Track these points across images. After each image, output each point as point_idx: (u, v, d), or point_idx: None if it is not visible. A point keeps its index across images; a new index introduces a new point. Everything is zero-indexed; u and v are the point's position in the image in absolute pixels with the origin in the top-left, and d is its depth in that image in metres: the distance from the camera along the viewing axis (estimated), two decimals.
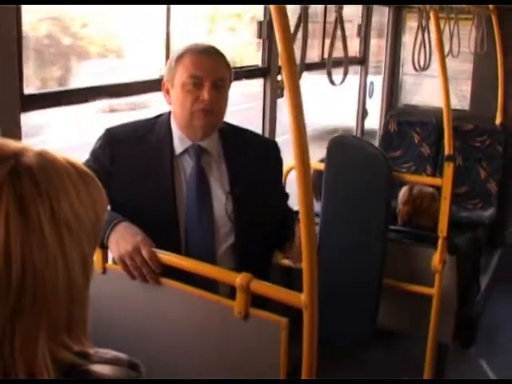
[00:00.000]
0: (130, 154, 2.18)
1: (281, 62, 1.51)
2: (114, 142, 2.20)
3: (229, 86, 2.21)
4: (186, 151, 2.19)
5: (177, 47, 2.27)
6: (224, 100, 2.18)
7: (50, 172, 0.92)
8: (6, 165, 0.89)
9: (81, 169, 0.97)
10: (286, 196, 2.45)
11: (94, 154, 2.21)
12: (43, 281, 0.87)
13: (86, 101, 2.62)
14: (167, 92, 2.20)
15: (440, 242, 3.23)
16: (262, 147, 2.35)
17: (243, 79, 3.56)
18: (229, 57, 2.18)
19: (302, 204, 1.57)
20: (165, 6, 2.89)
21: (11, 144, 0.94)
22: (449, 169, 3.17)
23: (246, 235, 2.18)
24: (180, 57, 2.14)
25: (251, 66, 3.75)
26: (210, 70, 2.11)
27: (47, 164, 0.93)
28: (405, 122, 5.61)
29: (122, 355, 1.00)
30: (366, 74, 5.30)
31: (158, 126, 2.23)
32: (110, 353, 0.99)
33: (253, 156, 2.26)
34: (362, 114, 5.36)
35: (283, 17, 1.47)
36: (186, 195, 2.16)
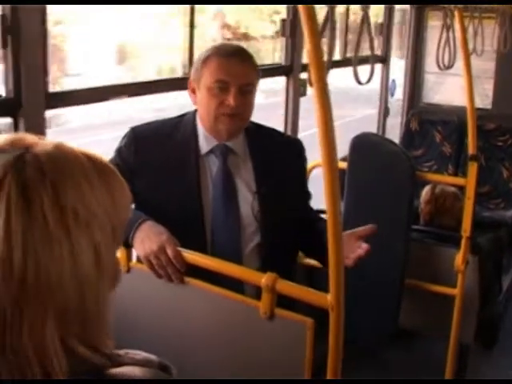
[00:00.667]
0: (155, 153, 2.18)
1: (309, 59, 1.49)
2: (139, 140, 2.19)
3: (256, 88, 2.19)
4: (211, 151, 2.19)
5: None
6: (250, 103, 2.16)
7: (58, 161, 0.91)
8: (14, 154, 0.90)
9: (97, 161, 0.97)
10: (309, 196, 2.43)
11: (119, 151, 2.21)
12: (46, 267, 0.86)
13: (108, 99, 2.63)
14: (193, 91, 2.19)
15: (463, 241, 3.20)
16: (287, 146, 2.34)
17: (266, 77, 3.56)
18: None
19: (329, 203, 1.55)
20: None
21: (28, 137, 0.95)
22: (473, 168, 3.15)
23: (271, 235, 2.17)
24: (206, 58, 2.12)
25: (274, 65, 3.74)
26: (236, 75, 2.09)
27: (58, 154, 0.93)
28: (426, 120, 5.57)
29: (152, 356, 0.99)
30: (388, 72, 5.28)
31: (184, 124, 2.22)
32: (141, 354, 0.99)
33: (278, 155, 2.25)
34: (384, 112, 5.33)
35: (312, 15, 1.45)
36: (211, 195, 2.16)
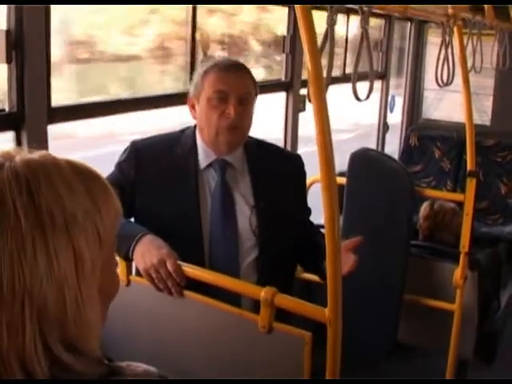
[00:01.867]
0: (155, 167, 2.19)
1: (308, 76, 1.52)
2: (139, 154, 2.21)
3: (254, 101, 2.22)
4: (210, 165, 2.21)
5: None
6: (249, 115, 2.19)
7: (34, 166, 0.92)
8: None
9: (79, 166, 0.97)
10: (309, 211, 2.44)
11: (119, 166, 2.22)
12: (20, 269, 0.86)
13: (110, 113, 2.65)
14: (193, 107, 2.21)
15: (462, 257, 3.20)
16: (286, 161, 2.36)
17: (265, 93, 3.59)
18: None
19: (328, 218, 1.57)
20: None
21: (15, 151, 0.95)
22: (471, 184, 3.16)
23: (269, 249, 2.18)
24: (206, 73, 2.15)
25: (274, 81, 3.77)
26: (235, 86, 2.12)
27: (36, 160, 0.93)
28: (426, 136, 5.60)
29: (152, 369, 1.00)
30: (388, 88, 5.31)
31: (184, 139, 2.24)
32: (141, 366, 0.99)
33: (277, 170, 2.27)
34: (383, 128, 5.37)
35: (311, 31, 1.48)
36: (210, 209, 2.17)
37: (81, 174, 0.96)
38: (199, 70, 2.21)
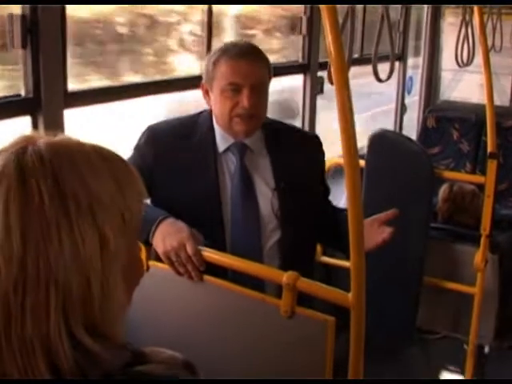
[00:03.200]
0: (173, 152, 2.18)
1: (330, 57, 1.49)
2: (157, 139, 2.20)
3: (268, 85, 2.19)
4: (228, 149, 2.19)
5: None
6: (264, 102, 2.17)
7: (59, 149, 0.92)
8: (18, 146, 0.91)
9: (103, 150, 0.97)
10: (328, 191, 2.43)
11: (138, 150, 2.21)
12: (45, 251, 0.86)
13: (126, 97, 2.64)
14: (206, 93, 2.19)
15: (483, 240, 3.17)
16: (305, 141, 2.34)
17: (282, 75, 3.56)
18: None
19: (351, 201, 1.54)
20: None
21: (37, 135, 0.95)
22: (492, 166, 3.12)
23: (292, 231, 2.16)
24: (217, 61, 2.12)
25: (291, 62, 3.74)
26: (248, 76, 2.09)
27: (59, 143, 0.93)
28: (443, 118, 5.55)
29: (177, 355, 0.99)
30: (405, 69, 5.26)
31: (201, 123, 2.22)
32: (166, 352, 0.98)
33: (296, 151, 2.25)
34: (401, 109, 5.32)
35: (333, 12, 1.45)
36: (230, 193, 2.16)
37: (105, 158, 0.95)
38: (210, 56, 2.18)
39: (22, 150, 0.90)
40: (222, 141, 2.19)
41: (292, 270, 1.79)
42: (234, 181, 2.17)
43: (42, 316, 0.86)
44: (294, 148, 2.26)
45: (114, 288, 0.93)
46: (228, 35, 3.58)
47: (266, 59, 2.18)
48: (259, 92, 2.12)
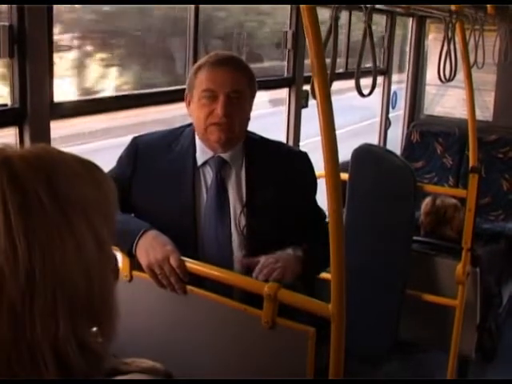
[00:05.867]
0: (154, 164, 2.18)
1: (312, 71, 1.51)
2: (138, 150, 2.20)
3: (251, 96, 2.17)
4: (207, 162, 2.17)
5: None
6: (241, 112, 2.12)
7: (44, 156, 0.92)
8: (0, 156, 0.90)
9: (82, 158, 0.97)
10: (317, 211, 2.33)
11: (119, 161, 2.23)
12: (51, 253, 0.86)
13: (113, 109, 2.65)
14: (189, 104, 2.18)
15: (464, 253, 3.20)
16: (288, 159, 2.25)
17: (268, 89, 3.59)
18: None
19: (332, 213, 1.57)
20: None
21: (9, 147, 0.95)
22: (473, 180, 3.16)
23: (256, 248, 2.10)
24: (198, 69, 2.12)
25: (276, 76, 3.76)
26: (224, 83, 2.06)
27: (42, 151, 0.94)
28: (427, 132, 5.60)
29: (158, 365, 1.00)
30: (390, 84, 5.31)
31: (184, 136, 2.21)
32: (147, 362, 0.99)
33: (277, 168, 2.19)
34: (385, 124, 5.36)
35: (315, 27, 1.47)
36: (204, 206, 2.15)
37: (84, 163, 0.97)
38: (194, 66, 2.17)
39: (5, 159, 0.89)
40: (201, 154, 2.17)
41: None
42: (209, 195, 2.15)
43: (50, 319, 0.86)
44: (276, 165, 2.20)
45: (110, 290, 0.95)
46: None
47: (248, 70, 2.16)
48: (235, 100, 2.08)
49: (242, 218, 2.13)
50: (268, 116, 5.49)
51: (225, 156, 2.16)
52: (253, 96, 2.18)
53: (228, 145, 2.13)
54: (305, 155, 2.32)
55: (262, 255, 2.05)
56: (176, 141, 2.21)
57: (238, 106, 2.09)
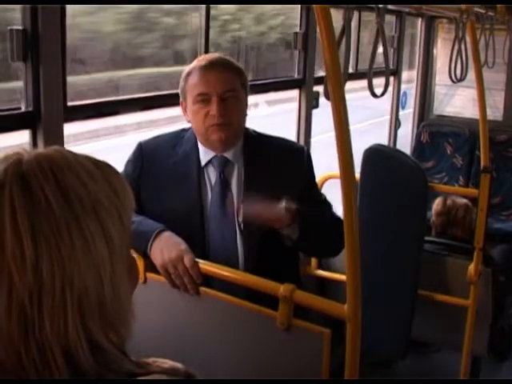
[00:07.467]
0: (160, 167, 2.22)
1: (326, 72, 1.52)
2: (144, 155, 2.24)
3: (244, 93, 2.20)
4: (210, 162, 2.21)
5: None
6: (237, 110, 2.16)
7: (55, 157, 0.93)
8: (11, 158, 0.92)
9: (95, 159, 0.98)
10: (326, 205, 2.35)
11: (126, 165, 2.27)
12: (58, 252, 0.86)
13: (128, 111, 2.66)
14: (185, 110, 2.21)
15: (476, 253, 3.20)
16: (287, 154, 2.28)
17: (279, 91, 3.59)
18: None
19: (347, 215, 1.57)
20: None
21: (24, 149, 0.96)
22: (485, 180, 3.15)
23: (254, 242, 2.16)
24: (188, 75, 2.15)
25: (287, 77, 3.76)
26: (216, 85, 2.10)
27: (54, 152, 0.94)
28: (437, 132, 5.60)
29: (178, 365, 1.00)
30: (399, 84, 5.30)
31: (187, 138, 2.25)
32: (168, 362, 0.99)
33: (275, 163, 2.22)
34: (395, 124, 5.35)
35: (329, 27, 1.48)
36: (210, 204, 2.19)
37: (97, 163, 0.97)
38: (184, 72, 2.19)
39: (17, 160, 0.91)
40: (204, 155, 2.21)
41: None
42: (213, 194, 2.19)
43: (59, 319, 0.87)
44: (274, 161, 2.23)
45: (123, 288, 0.95)
46: None
47: (238, 69, 2.19)
48: (230, 99, 2.12)
49: (240, 213, 2.16)
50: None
51: (227, 155, 2.20)
52: (246, 93, 2.21)
53: (229, 143, 2.18)
54: (304, 149, 2.37)
55: (258, 250, 2.13)
56: (179, 144, 2.25)
57: (232, 105, 2.13)
